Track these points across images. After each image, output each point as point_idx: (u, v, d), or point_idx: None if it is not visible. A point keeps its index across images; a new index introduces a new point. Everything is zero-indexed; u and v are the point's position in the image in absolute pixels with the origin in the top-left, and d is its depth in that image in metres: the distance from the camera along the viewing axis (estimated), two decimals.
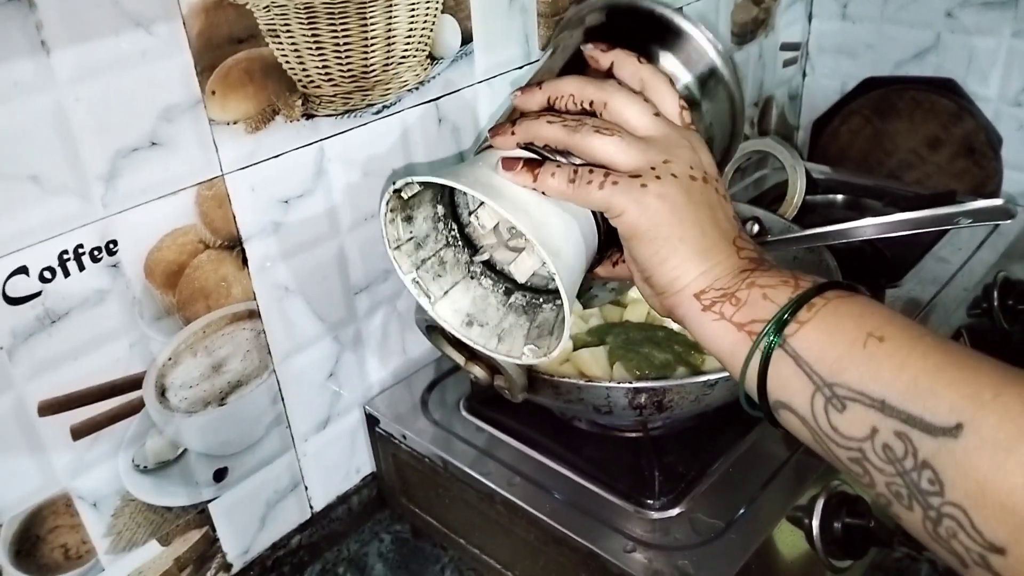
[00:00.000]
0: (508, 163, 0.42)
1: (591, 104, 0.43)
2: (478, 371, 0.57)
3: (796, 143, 1.25)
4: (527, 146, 0.43)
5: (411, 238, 0.47)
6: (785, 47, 1.14)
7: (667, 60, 0.51)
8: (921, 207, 0.91)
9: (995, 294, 0.85)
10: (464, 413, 0.70)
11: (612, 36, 0.48)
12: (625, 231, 0.40)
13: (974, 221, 0.66)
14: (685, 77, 0.51)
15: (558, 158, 0.43)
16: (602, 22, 0.54)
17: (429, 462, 0.67)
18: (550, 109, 0.45)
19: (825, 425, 0.36)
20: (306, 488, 0.70)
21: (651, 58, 0.48)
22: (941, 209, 0.69)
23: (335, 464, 0.72)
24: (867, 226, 0.68)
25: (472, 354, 0.56)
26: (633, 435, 0.65)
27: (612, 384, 0.54)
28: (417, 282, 0.48)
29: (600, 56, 0.46)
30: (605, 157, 0.41)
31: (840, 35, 1.14)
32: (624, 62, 0.45)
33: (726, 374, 0.54)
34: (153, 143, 0.52)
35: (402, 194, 0.44)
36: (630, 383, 0.53)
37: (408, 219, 0.47)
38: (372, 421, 0.72)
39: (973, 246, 0.90)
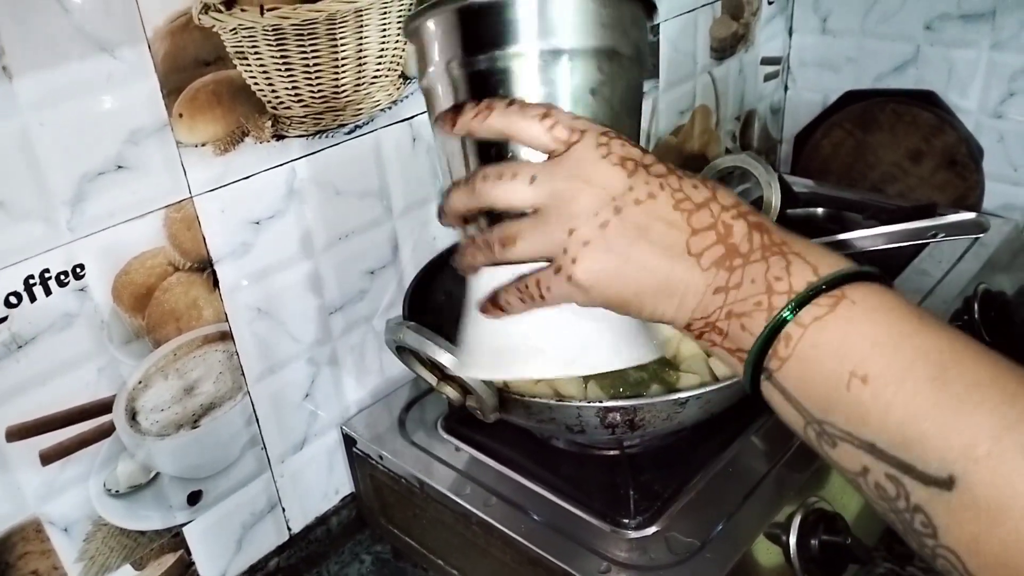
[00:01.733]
0: (490, 307, 0.43)
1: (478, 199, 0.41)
2: (450, 391, 0.57)
3: (779, 156, 1.25)
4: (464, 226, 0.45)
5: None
6: (766, 61, 1.15)
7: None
8: (902, 220, 0.91)
9: (976, 306, 0.84)
10: (442, 433, 0.69)
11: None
12: (594, 308, 0.40)
13: (948, 234, 0.67)
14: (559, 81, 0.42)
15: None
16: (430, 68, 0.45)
17: (406, 483, 0.66)
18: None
19: (822, 452, 0.36)
20: (283, 509, 0.70)
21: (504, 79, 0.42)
22: (916, 223, 0.70)
23: (313, 485, 0.72)
24: (843, 240, 0.68)
25: (443, 375, 0.56)
26: (611, 453, 0.65)
27: (583, 403, 0.53)
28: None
29: (449, 134, 0.42)
30: (510, 235, 0.40)
31: (821, 49, 1.15)
32: (468, 126, 0.41)
33: (696, 392, 0.53)
34: (119, 166, 0.52)
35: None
36: (600, 402, 0.53)
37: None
38: (349, 441, 0.71)
39: (953, 258, 0.89)
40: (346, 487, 0.75)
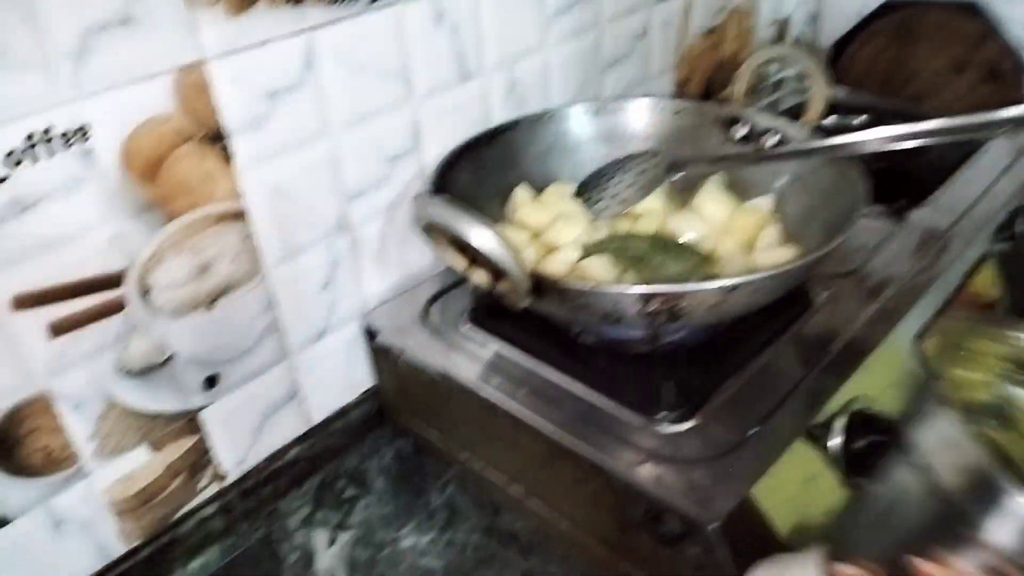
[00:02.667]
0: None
1: None
2: (480, 276, 0.53)
3: None
4: None
5: None
6: None
7: None
8: None
9: (1020, 220, 0.81)
10: (468, 326, 0.66)
11: None
12: None
13: (1012, 129, 0.62)
14: None
15: None
16: None
17: (430, 376, 0.64)
18: None
19: None
20: (302, 400, 0.68)
21: None
22: (975, 117, 0.65)
23: (333, 377, 0.70)
24: (894, 135, 0.64)
25: (474, 259, 0.52)
26: (643, 351, 0.62)
27: (623, 289, 0.50)
28: None
29: None
30: None
31: None
32: None
33: (748, 278, 0.50)
34: (125, 20, 0.48)
35: None
36: (642, 288, 0.50)
37: None
38: (371, 334, 0.68)
39: (999, 169, 0.85)
40: (367, 381, 0.72)
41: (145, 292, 0.55)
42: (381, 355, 0.68)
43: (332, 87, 0.60)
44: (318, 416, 0.69)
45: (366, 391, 0.72)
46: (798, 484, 0.54)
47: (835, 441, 0.55)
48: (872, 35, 1.12)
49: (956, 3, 1.02)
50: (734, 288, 0.50)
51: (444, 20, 0.66)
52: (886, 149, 0.63)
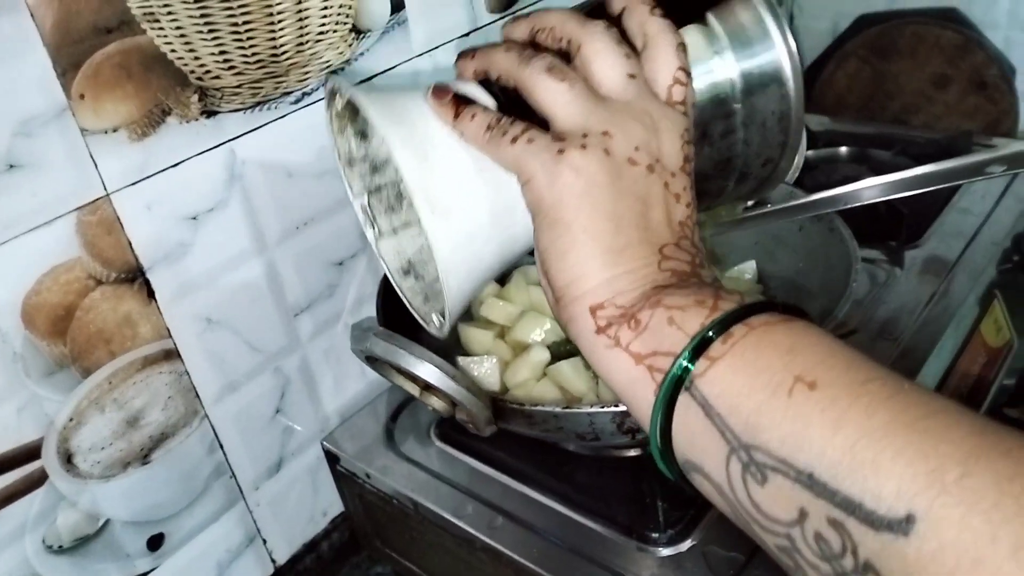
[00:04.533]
0: (438, 92, 0.35)
1: (568, 44, 0.35)
2: (435, 403, 0.48)
3: None
4: (484, 81, 0.36)
5: (365, 157, 0.40)
6: None
7: (710, 36, 0.39)
8: (936, 155, 0.81)
9: None
10: (436, 441, 0.60)
11: None
12: (529, 203, 0.33)
13: (1009, 168, 0.57)
14: (728, 67, 0.38)
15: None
16: None
17: (399, 503, 0.58)
18: (533, 44, 0.36)
19: (745, 499, 0.27)
20: (264, 541, 0.61)
21: (685, 21, 0.37)
22: (967, 159, 0.60)
23: (296, 510, 0.63)
24: (881, 185, 0.58)
25: (427, 385, 0.47)
26: (630, 454, 0.56)
27: (595, 409, 0.44)
28: (366, 209, 0.41)
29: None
30: (544, 104, 0.33)
31: None
32: (634, 8, 0.36)
33: None
34: (12, 165, 0.43)
35: (336, 103, 0.38)
36: (616, 405, 0.44)
37: (363, 135, 0.40)
38: (332, 458, 0.62)
39: (997, 193, 0.80)
40: (335, 507, 0.66)
41: (68, 459, 0.49)
42: (345, 481, 0.62)
43: (261, 198, 0.55)
44: (283, 555, 0.63)
45: (335, 518, 0.66)
46: None
47: None
48: (847, 55, 1.07)
49: (933, 14, 0.98)
50: None
51: None
52: (876, 201, 0.57)
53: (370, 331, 0.44)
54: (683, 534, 0.50)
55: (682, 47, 0.35)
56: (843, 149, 0.91)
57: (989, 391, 0.70)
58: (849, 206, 0.58)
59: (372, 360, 0.46)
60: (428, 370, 0.42)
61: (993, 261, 0.74)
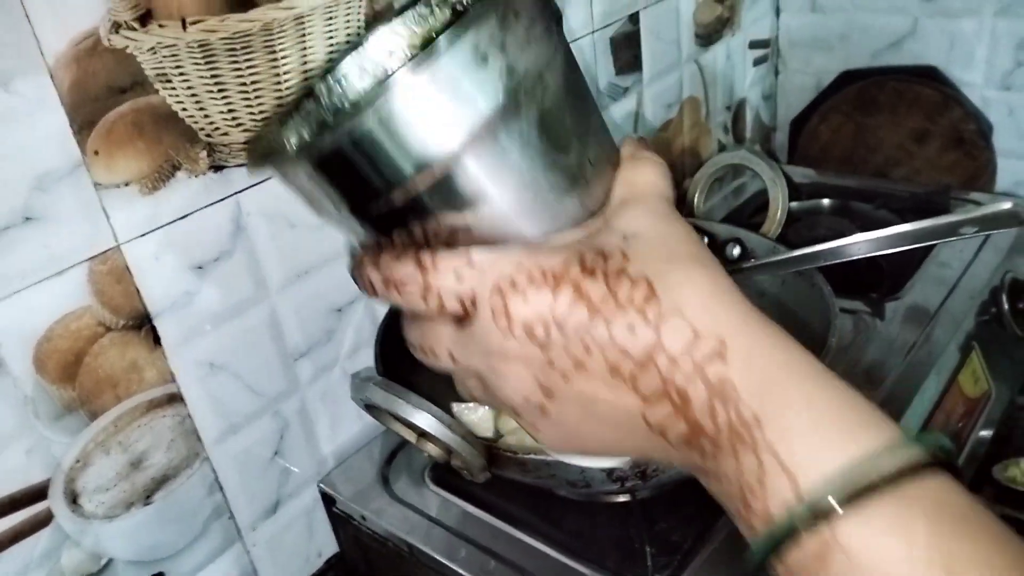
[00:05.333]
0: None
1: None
2: (431, 449, 0.49)
3: (774, 145, 1.18)
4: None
5: None
6: (754, 45, 1.08)
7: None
8: (916, 208, 0.84)
9: (1004, 297, 0.78)
10: (431, 485, 0.62)
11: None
12: None
13: (981, 229, 0.59)
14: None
15: None
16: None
17: (394, 546, 0.59)
18: None
19: None
20: None
21: None
22: (943, 219, 0.62)
23: (292, 550, 0.64)
24: (861, 243, 0.61)
25: (424, 432, 0.48)
26: (620, 499, 0.58)
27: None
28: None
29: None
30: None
31: (811, 28, 1.08)
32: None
33: None
34: (28, 218, 0.45)
35: None
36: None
37: None
38: (328, 500, 0.64)
39: (975, 247, 0.83)
40: (330, 548, 0.67)
41: (73, 499, 0.50)
42: (341, 523, 0.63)
43: (264, 248, 0.57)
44: None
45: (330, 559, 0.67)
46: None
47: None
48: (830, 110, 1.11)
49: (913, 71, 1.02)
50: None
51: None
52: (852, 257, 0.60)
53: (369, 380, 0.45)
54: None
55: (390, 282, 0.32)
56: (826, 201, 0.95)
57: (967, 441, 0.72)
58: (828, 263, 0.61)
59: (371, 408, 0.48)
60: (425, 419, 0.44)
61: (971, 313, 0.76)
